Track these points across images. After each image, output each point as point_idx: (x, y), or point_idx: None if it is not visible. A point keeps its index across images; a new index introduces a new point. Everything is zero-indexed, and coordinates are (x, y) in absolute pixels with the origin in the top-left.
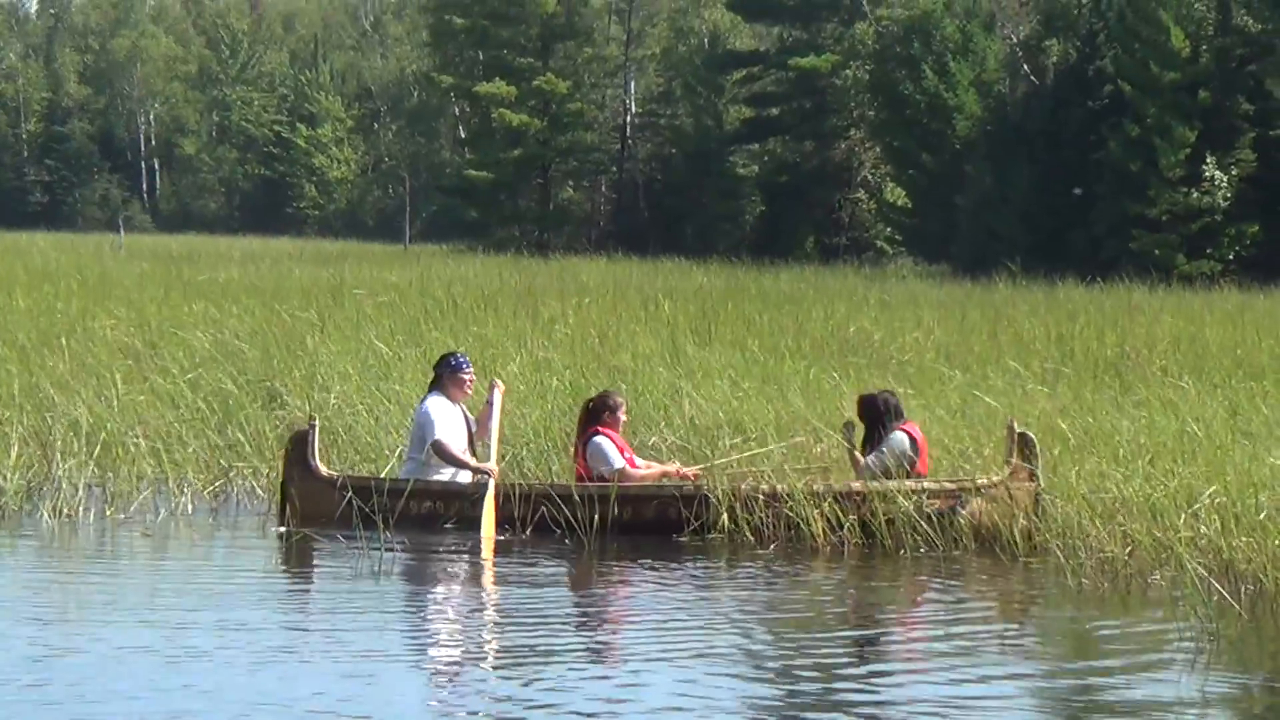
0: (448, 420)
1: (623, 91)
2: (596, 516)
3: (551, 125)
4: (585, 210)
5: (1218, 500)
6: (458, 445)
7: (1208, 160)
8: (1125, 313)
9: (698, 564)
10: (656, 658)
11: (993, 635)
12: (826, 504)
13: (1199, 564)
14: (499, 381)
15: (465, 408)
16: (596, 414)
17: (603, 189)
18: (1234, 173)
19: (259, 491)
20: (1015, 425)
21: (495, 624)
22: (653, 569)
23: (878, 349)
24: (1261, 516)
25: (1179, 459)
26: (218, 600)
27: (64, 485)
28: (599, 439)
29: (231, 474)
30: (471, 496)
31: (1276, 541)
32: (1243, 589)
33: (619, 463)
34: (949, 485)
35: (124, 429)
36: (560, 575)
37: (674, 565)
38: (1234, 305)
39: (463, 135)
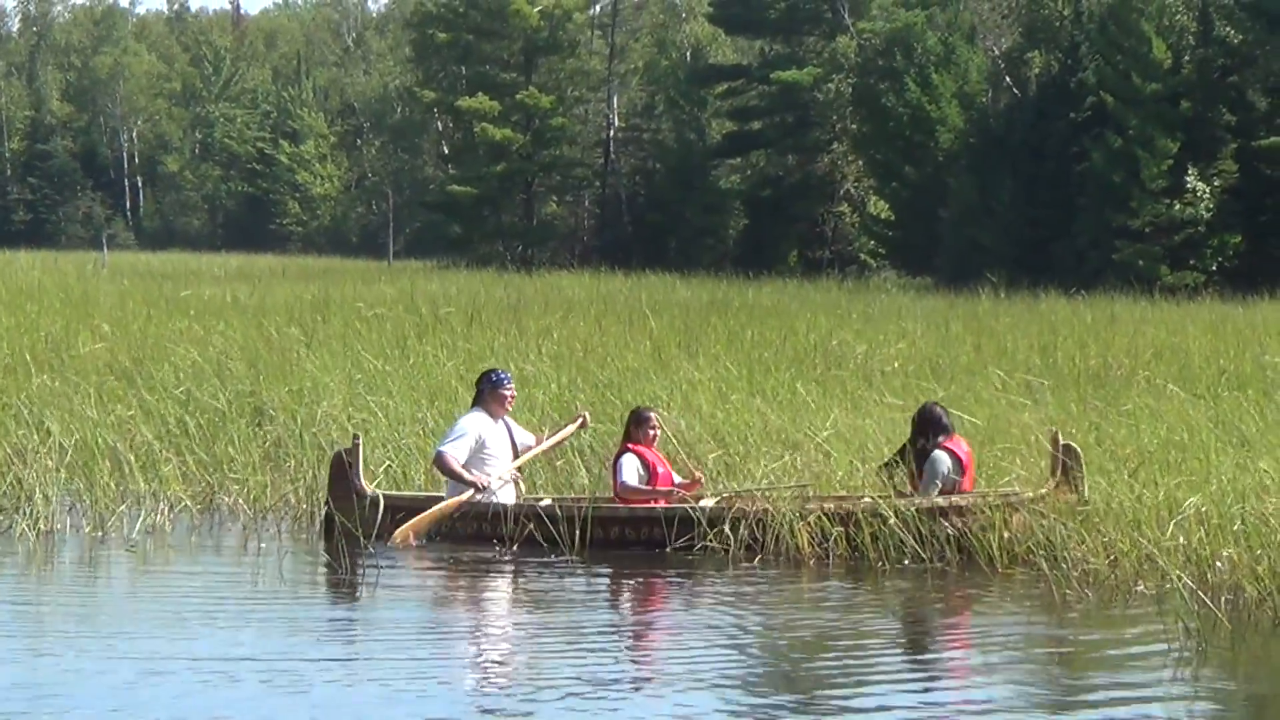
0: (473, 436)
1: (605, 106)
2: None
3: (534, 140)
4: (569, 225)
5: (1201, 510)
6: (469, 459)
7: (1190, 171)
8: (1107, 324)
9: (686, 578)
10: (653, 674)
11: (976, 647)
12: (813, 518)
13: (1182, 575)
14: (586, 416)
15: (509, 421)
16: (629, 430)
17: (586, 204)
18: (1216, 184)
19: (245, 507)
20: (1060, 437)
21: (471, 642)
22: (644, 585)
23: (861, 362)
24: (1237, 527)
25: (1163, 469)
26: (194, 618)
27: (40, 500)
28: (624, 458)
29: (218, 490)
30: (515, 515)
31: (1258, 551)
32: (1223, 599)
33: (631, 481)
34: (994, 499)
35: (110, 445)
36: (572, 592)
37: (664, 580)
38: (1217, 316)
39: (446, 151)
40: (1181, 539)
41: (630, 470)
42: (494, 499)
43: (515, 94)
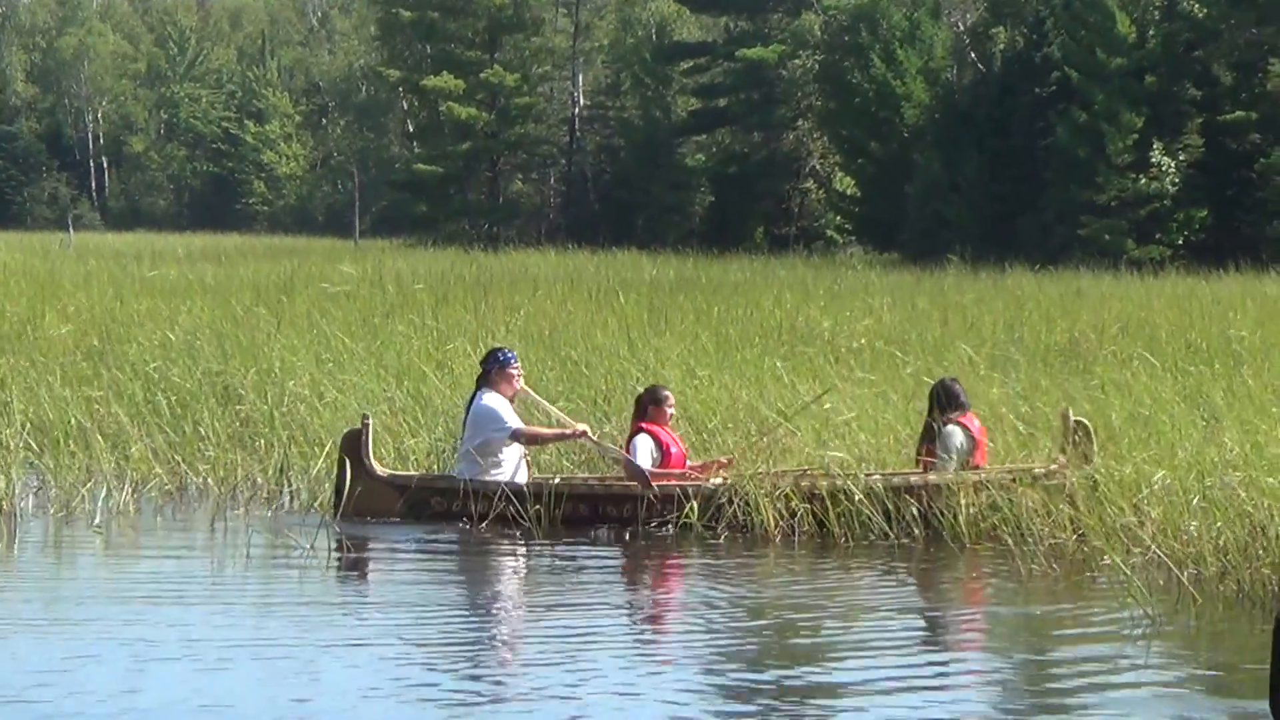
0: (509, 410)
1: (571, 84)
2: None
3: (500, 118)
4: (535, 203)
5: (1167, 484)
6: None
7: (1155, 146)
8: (1073, 298)
9: (659, 555)
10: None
11: (941, 621)
12: (780, 495)
13: (1147, 549)
14: (587, 431)
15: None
16: (643, 409)
17: (552, 181)
18: (1181, 158)
19: (213, 487)
20: (1070, 413)
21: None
22: (612, 563)
23: (828, 338)
24: (1195, 500)
25: (1130, 444)
26: (160, 599)
27: (1, 481)
28: (639, 438)
29: (186, 470)
30: (530, 495)
31: (1219, 525)
32: (1185, 573)
33: (644, 463)
34: (1006, 475)
35: (78, 425)
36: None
37: (633, 558)
38: (1183, 290)
39: (411, 129)
40: (1152, 512)
41: (644, 452)
42: (503, 477)
43: (480, 72)
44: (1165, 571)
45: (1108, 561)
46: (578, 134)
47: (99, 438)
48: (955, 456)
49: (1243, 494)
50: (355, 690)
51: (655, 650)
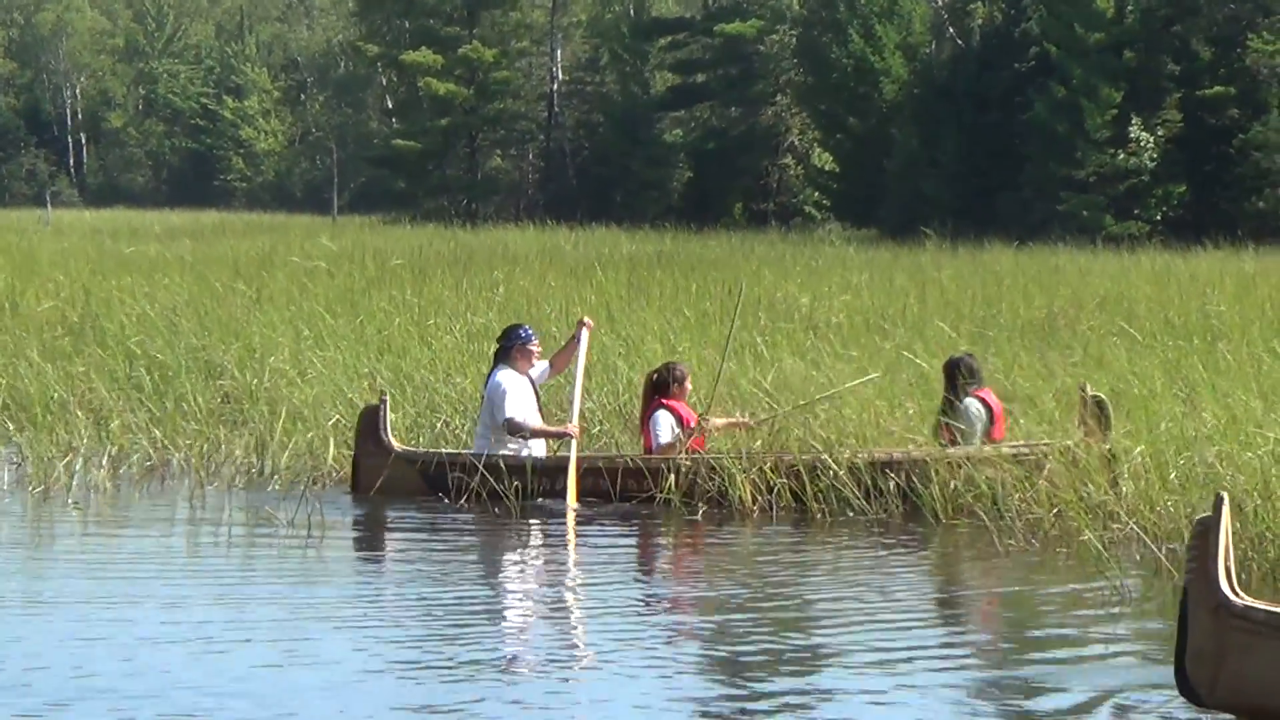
0: (518, 393)
1: (549, 59)
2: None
3: (478, 94)
4: (513, 179)
5: (1146, 459)
6: (531, 417)
7: (1134, 121)
8: (1051, 274)
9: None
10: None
11: (916, 596)
12: (756, 471)
13: (1124, 524)
14: (588, 320)
15: (531, 378)
16: (662, 386)
17: (530, 157)
18: (1160, 134)
19: (195, 462)
20: (1089, 389)
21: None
22: (588, 538)
23: (806, 314)
24: (1172, 476)
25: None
26: (140, 575)
27: None
28: (660, 413)
29: (168, 445)
30: (547, 470)
31: (1195, 500)
32: (1163, 548)
33: (667, 438)
34: (1024, 450)
35: (60, 400)
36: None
37: (608, 533)
38: (1160, 265)
39: (390, 105)
40: (1126, 488)
41: (666, 428)
42: (528, 451)
43: (458, 48)
44: (1143, 547)
45: (1086, 537)
46: (556, 110)
47: (78, 413)
48: (978, 429)
49: (1220, 468)
50: (337, 666)
51: (641, 627)
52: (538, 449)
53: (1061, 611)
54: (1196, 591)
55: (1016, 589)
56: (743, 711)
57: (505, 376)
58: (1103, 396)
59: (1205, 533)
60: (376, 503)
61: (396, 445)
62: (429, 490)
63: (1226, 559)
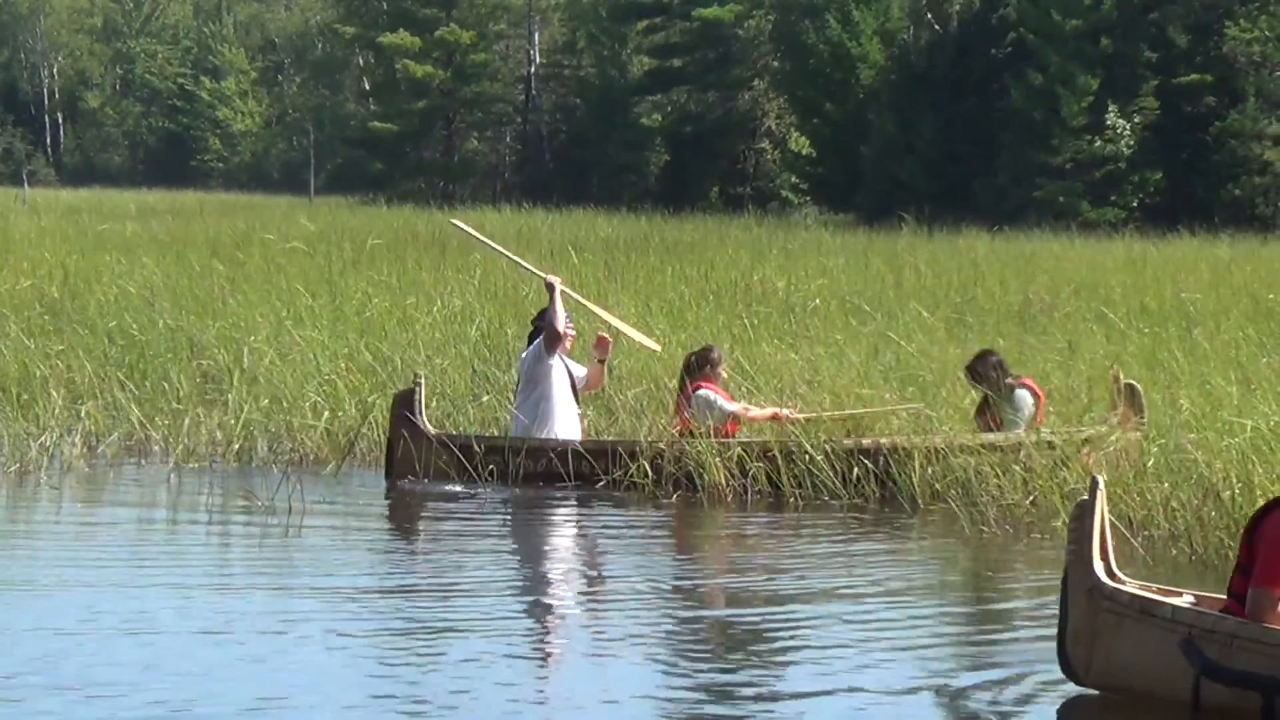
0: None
1: (527, 42)
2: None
3: (455, 76)
4: (490, 161)
5: (1122, 446)
6: (555, 396)
7: (1110, 108)
8: (1027, 260)
9: (608, 513)
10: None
11: (891, 581)
12: (731, 455)
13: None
14: (553, 279)
15: (567, 359)
16: (699, 368)
17: (507, 140)
18: (1136, 120)
19: (174, 441)
20: (1121, 375)
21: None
22: (564, 520)
23: (782, 298)
24: (1150, 464)
25: (1089, 405)
26: (117, 557)
27: None
28: (704, 392)
29: (147, 425)
30: (582, 454)
31: (1168, 487)
32: (1139, 537)
33: (732, 407)
34: (1061, 435)
35: (41, 378)
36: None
37: (584, 516)
38: (1136, 252)
39: (367, 87)
40: (1101, 476)
41: (723, 400)
42: (555, 435)
43: (436, 30)
44: (1124, 533)
45: (1059, 524)
46: (533, 92)
47: (53, 392)
48: (1026, 416)
49: (1197, 455)
50: (316, 651)
51: (614, 617)
52: (574, 433)
53: (1027, 596)
54: (1074, 573)
55: (989, 575)
56: (706, 698)
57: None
58: (1134, 383)
59: (1082, 516)
60: (356, 483)
61: (431, 429)
62: (464, 474)
63: (1103, 541)
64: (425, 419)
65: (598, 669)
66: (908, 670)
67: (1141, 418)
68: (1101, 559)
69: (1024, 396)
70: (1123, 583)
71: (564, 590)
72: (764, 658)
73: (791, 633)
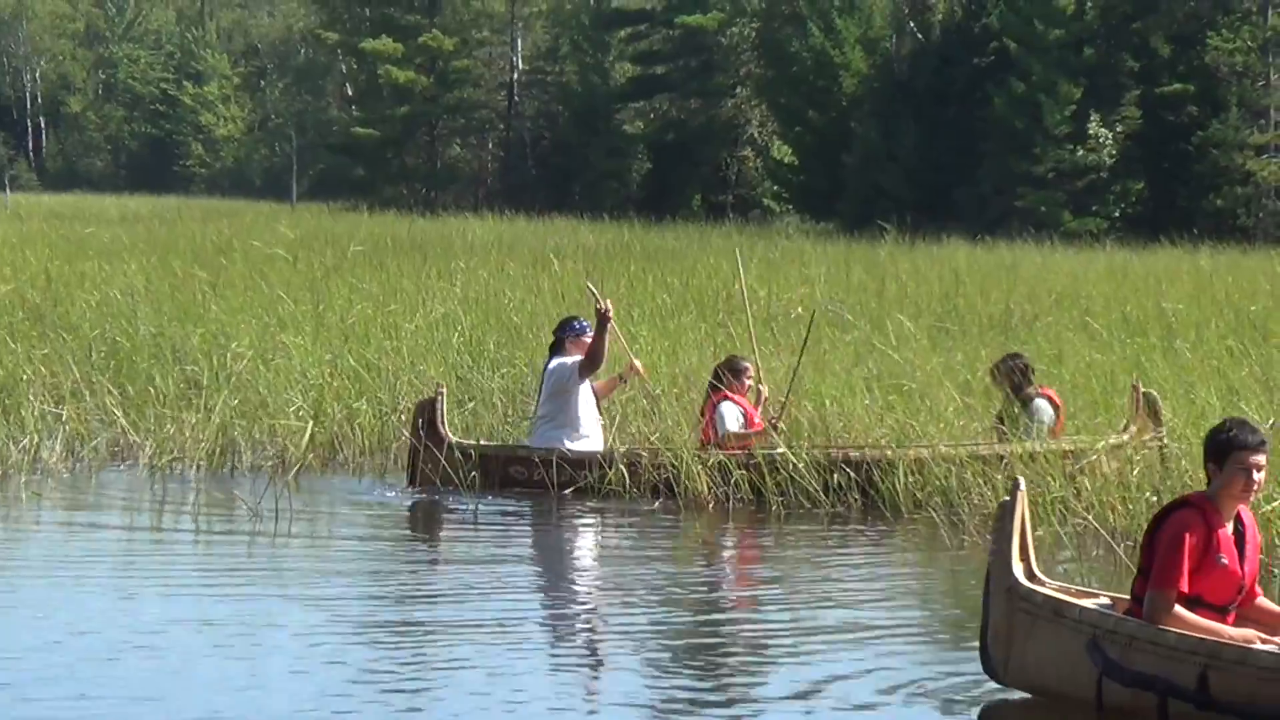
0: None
1: (509, 49)
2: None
3: (438, 82)
4: (473, 168)
5: (1103, 455)
6: (579, 405)
7: (1093, 118)
8: (1009, 270)
9: (587, 520)
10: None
11: (871, 589)
12: (713, 463)
13: (1080, 520)
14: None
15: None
16: (725, 378)
17: (490, 147)
18: (1119, 130)
19: (157, 447)
20: (1140, 385)
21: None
22: (550, 528)
23: (763, 306)
24: (1133, 472)
25: (1071, 413)
26: (101, 562)
27: None
28: (724, 406)
29: (130, 430)
30: (602, 464)
31: (1148, 495)
32: (1122, 545)
33: (734, 428)
34: (1080, 445)
35: (26, 382)
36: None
37: (566, 522)
38: (1117, 262)
39: (349, 93)
40: (1085, 483)
41: (733, 418)
42: (574, 446)
43: (419, 36)
44: (1101, 542)
45: (1041, 533)
46: (516, 99)
47: (31, 397)
48: (1046, 426)
49: (1185, 464)
50: (302, 655)
51: (601, 625)
52: (597, 443)
53: None
54: (994, 573)
55: (972, 585)
56: (685, 705)
57: (561, 359)
58: (1153, 393)
59: (1003, 516)
60: (343, 489)
61: (453, 437)
62: (486, 484)
63: (1023, 542)
64: (447, 428)
65: (582, 675)
66: (887, 677)
67: (1160, 428)
68: (1021, 559)
69: (1043, 406)
70: (1041, 584)
71: (545, 598)
72: (744, 665)
73: (772, 640)
